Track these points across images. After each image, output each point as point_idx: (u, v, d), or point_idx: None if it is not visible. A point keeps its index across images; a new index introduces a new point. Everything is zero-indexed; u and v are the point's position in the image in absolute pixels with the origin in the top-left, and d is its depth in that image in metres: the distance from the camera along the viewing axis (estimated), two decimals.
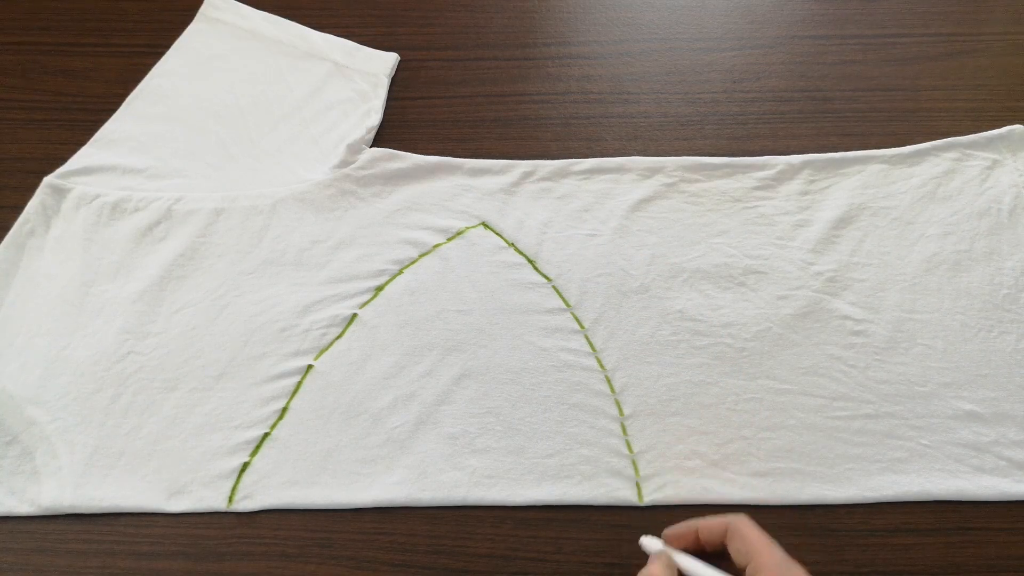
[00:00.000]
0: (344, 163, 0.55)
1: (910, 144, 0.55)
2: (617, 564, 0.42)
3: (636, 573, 0.36)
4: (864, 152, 0.55)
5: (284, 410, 0.46)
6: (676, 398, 0.46)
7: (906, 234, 0.51)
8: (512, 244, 0.52)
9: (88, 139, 0.56)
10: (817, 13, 0.64)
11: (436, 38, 0.63)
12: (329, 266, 0.51)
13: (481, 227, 0.53)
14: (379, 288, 0.50)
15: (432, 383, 0.47)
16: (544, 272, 0.51)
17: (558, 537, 0.43)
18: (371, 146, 0.56)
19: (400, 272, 0.51)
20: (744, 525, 0.36)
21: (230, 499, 0.43)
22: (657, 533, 0.43)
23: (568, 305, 0.49)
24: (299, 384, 0.47)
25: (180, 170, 0.55)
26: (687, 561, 0.37)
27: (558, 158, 0.55)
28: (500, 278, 0.50)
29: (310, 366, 0.47)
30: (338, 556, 0.42)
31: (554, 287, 0.50)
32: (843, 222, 0.52)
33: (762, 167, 0.54)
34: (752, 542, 0.35)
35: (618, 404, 0.46)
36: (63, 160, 0.55)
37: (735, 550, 0.36)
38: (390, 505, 0.43)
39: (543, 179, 0.54)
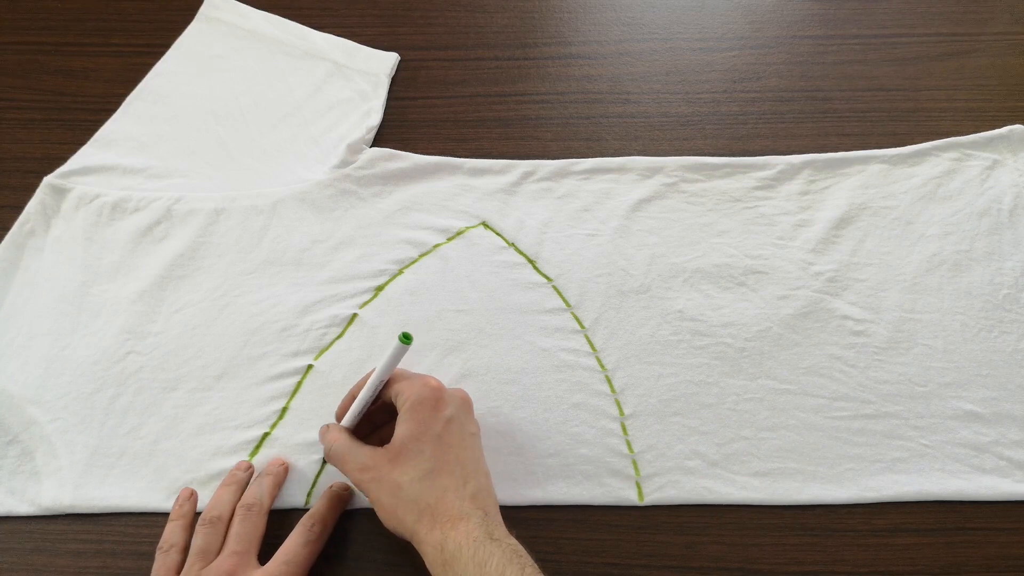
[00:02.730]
0: (344, 163, 0.55)
1: (910, 144, 0.55)
2: (617, 564, 0.41)
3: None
4: (864, 152, 0.55)
5: (284, 410, 0.46)
6: (676, 398, 0.46)
7: (906, 234, 0.51)
8: (512, 244, 0.52)
9: (88, 139, 0.56)
10: (817, 13, 0.64)
11: (436, 38, 0.63)
12: (329, 266, 0.51)
13: (481, 227, 0.53)
14: (379, 288, 0.50)
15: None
16: (544, 272, 0.51)
17: (558, 537, 0.43)
18: (371, 146, 0.56)
19: (400, 272, 0.51)
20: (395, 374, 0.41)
21: None
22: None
23: (568, 305, 0.49)
24: (299, 384, 0.47)
25: (180, 170, 0.55)
26: (348, 416, 0.41)
27: (558, 158, 0.55)
28: (500, 278, 0.50)
29: (310, 366, 0.47)
30: (338, 556, 0.42)
31: (554, 287, 0.50)
32: (843, 222, 0.52)
33: (762, 167, 0.54)
34: (393, 377, 0.40)
35: (618, 404, 0.46)
36: (63, 160, 0.55)
37: (386, 393, 0.40)
38: None
39: (543, 179, 0.54)
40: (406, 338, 0.37)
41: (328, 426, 0.42)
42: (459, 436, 0.38)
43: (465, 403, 0.40)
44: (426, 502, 0.36)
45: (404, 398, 0.38)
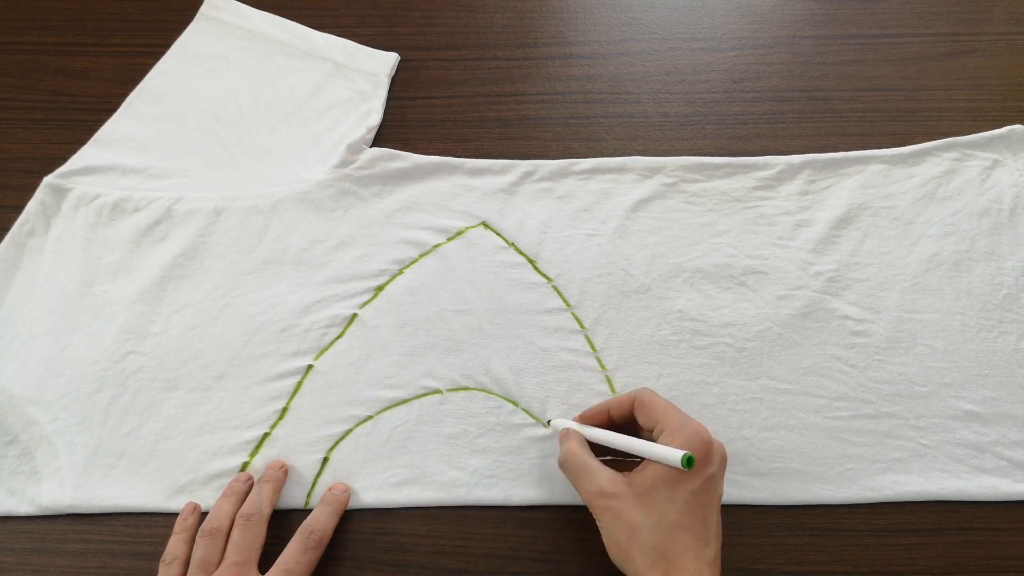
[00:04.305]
0: (344, 163, 0.55)
1: (910, 144, 0.55)
2: None
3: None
4: (864, 152, 0.55)
5: (284, 410, 0.46)
6: (676, 398, 0.46)
7: (906, 234, 0.51)
8: (512, 244, 0.52)
9: (88, 139, 0.56)
10: (817, 13, 0.64)
11: (436, 38, 0.63)
12: (329, 266, 0.51)
13: (481, 227, 0.53)
14: (379, 288, 0.50)
15: (432, 383, 0.47)
16: (544, 272, 0.51)
17: (558, 537, 0.43)
18: (371, 146, 0.56)
19: (400, 272, 0.51)
20: (648, 395, 0.39)
21: None
22: None
23: (568, 305, 0.49)
24: (299, 384, 0.47)
25: (180, 170, 0.55)
26: (596, 432, 0.40)
27: (558, 158, 0.55)
28: (500, 278, 0.50)
29: (310, 366, 0.47)
30: (338, 556, 0.42)
31: (554, 287, 0.50)
32: (843, 222, 0.52)
33: (762, 167, 0.54)
34: (656, 407, 0.38)
35: None
36: (63, 160, 0.55)
37: (642, 417, 0.39)
38: (390, 505, 0.44)
39: (543, 179, 0.54)
40: (689, 462, 0.34)
41: (569, 431, 0.41)
42: (712, 496, 0.36)
43: (724, 462, 0.38)
44: (663, 553, 0.34)
45: (671, 439, 0.36)
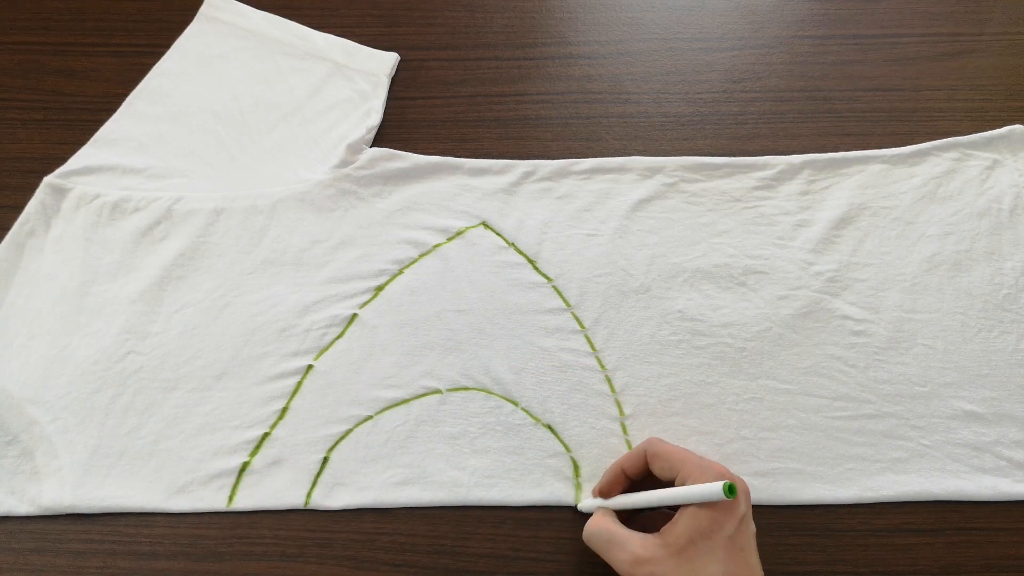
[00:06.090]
0: (344, 163, 0.55)
1: (910, 144, 0.55)
2: None
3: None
4: (864, 152, 0.55)
5: (284, 410, 0.46)
6: (676, 398, 0.46)
7: (906, 234, 0.51)
8: (512, 244, 0.52)
9: (88, 139, 0.56)
10: (817, 13, 0.64)
11: (436, 38, 0.63)
12: (329, 266, 0.51)
13: (481, 227, 0.53)
14: (379, 288, 0.50)
15: (432, 383, 0.47)
16: (544, 272, 0.51)
17: (558, 537, 0.43)
18: (371, 146, 0.56)
19: (400, 272, 0.51)
20: (658, 445, 0.38)
21: (230, 499, 0.44)
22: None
23: (568, 305, 0.49)
24: (299, 384, 0.47)
25: (180, 170, 0.55)
26: (624, 499, 0.39)
27: (558, 158, 0.55)
28: (500, 278, 0.50)
29: (310, 366, 0.47)
30: (338, 556, 0.42)
31: (554, 287, 0.50)
32: (843, 222, 0.52)
33: (762, 167, 0.54)
34: (671, 455, 0.37)
35: (618, 404, 0.46)
36: (63, 160, 0.55)
37: (658, 469, 0.38)
38: (390, 505, 0.44)
39: (543, 179, 0.54)
40: (731, 491, 0.33)
41: (596, 509, 0.40)
42: (747, 537, 0.35)
43: (749, 497, 0.36)
44: None
45: (694, 483, 0.35)
